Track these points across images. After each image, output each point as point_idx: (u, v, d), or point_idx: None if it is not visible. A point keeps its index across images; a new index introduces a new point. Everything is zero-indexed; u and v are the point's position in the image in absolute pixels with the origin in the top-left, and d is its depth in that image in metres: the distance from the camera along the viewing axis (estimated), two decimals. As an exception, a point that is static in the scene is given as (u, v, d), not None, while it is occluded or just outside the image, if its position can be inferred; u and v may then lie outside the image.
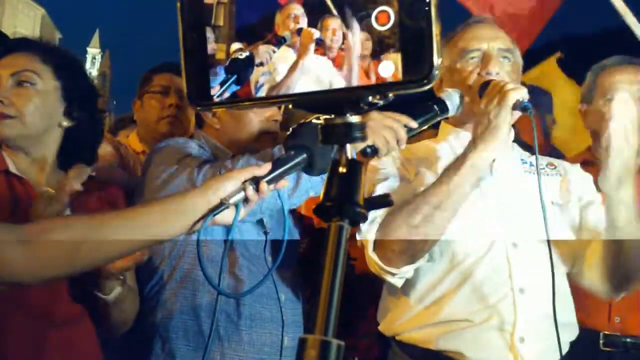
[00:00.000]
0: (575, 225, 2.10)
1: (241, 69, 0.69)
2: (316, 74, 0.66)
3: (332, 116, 0.67)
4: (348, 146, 0.68)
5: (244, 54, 0.69)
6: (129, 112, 3.40)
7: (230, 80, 0.69)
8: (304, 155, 1.56)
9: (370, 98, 0.64)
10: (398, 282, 1.96)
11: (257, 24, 0.70)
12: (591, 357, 2.33)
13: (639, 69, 2.59)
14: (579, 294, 2.08)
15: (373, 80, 0.63)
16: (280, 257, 1.68)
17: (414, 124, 1.83)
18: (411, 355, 2.01)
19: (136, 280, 2.11)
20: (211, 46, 0.70)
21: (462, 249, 1.96)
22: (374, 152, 1.84)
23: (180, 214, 1.49)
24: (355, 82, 0.63)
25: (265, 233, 2.21)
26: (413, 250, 1.89)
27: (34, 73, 1.96)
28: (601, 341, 2.40)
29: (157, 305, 2.11)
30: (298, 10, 0.68)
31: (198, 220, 1.49)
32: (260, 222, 2.20)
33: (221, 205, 1.49)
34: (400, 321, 2.04)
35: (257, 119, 2.23)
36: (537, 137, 1.90)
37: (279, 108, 2.35)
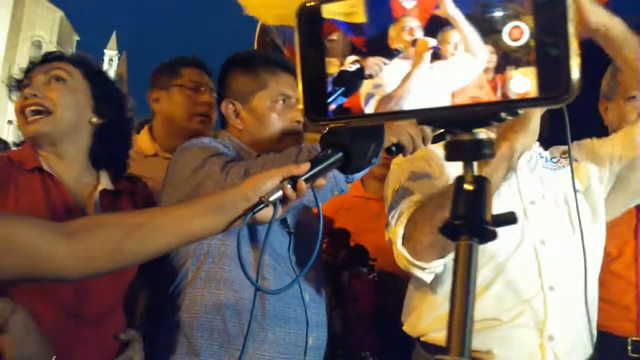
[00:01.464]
0: (601, 198, 2.11)
1: (349, 81, 0.67)
2: (435, 83, 0.65)
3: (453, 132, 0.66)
4: (474, 163, 0.67)
5: (354, 67, 0.68)
6: (147, 115, 3.33)
7: (338, 93, 0.67)
8: (341, 154, 1.56)
9: (503, 115, 0.63)
10: (427, 277, 1.95)
11: (370, 39, 0.68)
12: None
13: None
14: (607, 302, 2.08)
15: (500, 95, 0.61)
16: (314, 255, 1.68)
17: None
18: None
19: (159, 279, 2.14)
20: (327, 60, 0.69)
21: (490, 248, 1.92)
22: (399, 149, 1.83)
23: (220, 211, 1.50)
24: (485, 97, 0.62)
25: (289, 233, 2.21)
26: (443, 244, 1.86)
27: (64, 71, 2.02)
28: (629, 347, 2.37)
29: (182, 304, 2.09)
30: (413, 22, 0.66)
31: (237, 218, 1.50)
32: (283, 221, 2.19)
33: (260, 204, 1.49)
34: (426, 320, 2.03)
35: (280, 119, 2.22)
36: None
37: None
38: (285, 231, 2.20)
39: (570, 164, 1.90)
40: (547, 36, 0.58)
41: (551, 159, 2.17)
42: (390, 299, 2.71)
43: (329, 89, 0.69)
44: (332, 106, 0.70)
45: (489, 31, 0.61)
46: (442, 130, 1.72)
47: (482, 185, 0.67)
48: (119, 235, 1.46)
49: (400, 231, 1.94)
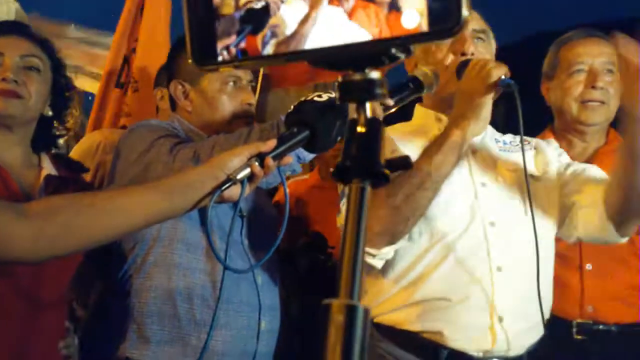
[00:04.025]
0: (556, 188, 2.10)
1: (257, 19, 0.65)
2: (330, 27, 0.63)
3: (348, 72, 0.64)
4: (367, 104, 0.65)
5: (260, 4, 0.65)
6: None
7: (245, 32, 0.65)
8: (307, 133, 1.57)
9: (393, 51, 0.61)
10: (378, 263, 1.94)
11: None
12: (564, 346, 2.31)
13: (603, 40, 2.55)
14: (552, 284, 2.08)
15: (393, 31, 0.60)
16: (279, 238, 1.68)
17: (389, 102, 1.81)
18: (389, 338, 1.98)
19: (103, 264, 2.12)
20: (216, 1, 0.66)
21: (441, 227, 1.95)
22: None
23: (188, 190, 1.49)
24: (375, 34, 0.60)
25: (242, 216, 2.18)
26: (394, 231, 1.87)
27: (40, 61, 2.01)
28: (574, 329, 2.37)
29: (131, 290, 2.06)
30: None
31: (205, 196, 1.49)
32: (236, 204, 2.17)
33: (228, 181, 1.49)
34: (377, 303, 2.02)
35: (230, 102, 2.20)
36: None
37: (254, 90, 2.31)
38: (237, 215, 2.17)
39: (522, 149, 1.90)
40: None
41: (509, 142, 2.16)
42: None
43: (237, 28, 0.67)
44: (232, 48, 0.67)
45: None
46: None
47: (375, 128, 0.65)
48: (82, 217, 1.44)
49: None
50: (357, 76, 0.63)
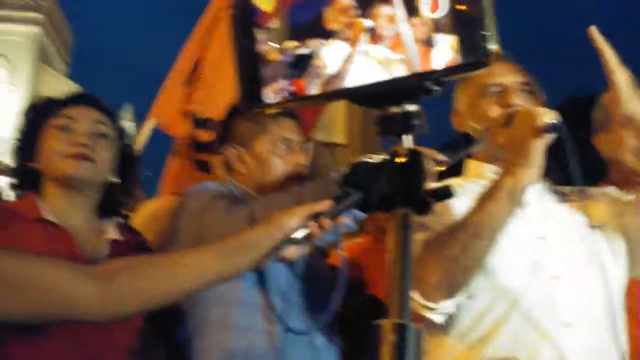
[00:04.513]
0: (618, 227, 2.05)
1: (303, 65, 0.70)
2: (369, 65, 0.67)
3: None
4: (405, 137, 0.68)
5: (305, 50, 0.70)
6: None
7: (294, 76, 0.70)
8: (361, 194, 1.59)
9: (428, 85, 0.65)
10: (438, 318, 1.90)
11: (309, 23, 0.71)
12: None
13: None
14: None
15: (429, 66, 0.63)
16: (339, 297, 1.68)
17: (441, 157, 1.83)
18: None
19: (165, 327, 2.13)
20: (262, 49, 0.71)
21: (502, 284, 1.91)
22: None
23: (246, 251, 1.51)
24: (412, 69, 0.64)
25: (296, 275, 2.20)
26: (452, 282, 1.84)
27: (107, 127, 2.12)
28: None
29: (191, 352, 2.07)
30: (347, 2, 0.69)
31: (263, 257, 1.50)
32: (291, 263, 2.19)
33: (286, 241, 1.50)
34: (443, 364, 1.98)
35: (282, 163, 2.26)
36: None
37: (305, 151, 2.37)
38: (292, 274, 2.19)
39: (582, 197, 1.87)
40: (462, 7, 0.60)
41: (567, 193, 2.14)
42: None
43: (284, 72, 0.72)
44: (281, 91, 0.72)
45: (411, 6, 0.64)
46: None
47: (416, 158, 0.68)
48: (148, 276, 1.48)
49: None
50: (395, 109, 0.67)
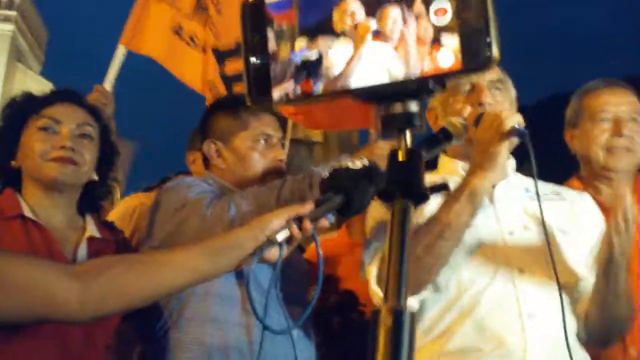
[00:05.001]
0: (588, 260, 2.11)
1: (312, 68, 0.73)
2: (374, 62, 0.70)
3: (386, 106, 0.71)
4: (407, 134, 0.72)
5: (314, 55, 0.73)
6: None
7: (302, 79, 0.73)
8: (342, 198, 1.63)
9: (430, 85, 0.69)
10: None
11: (320, 22, 0.74)
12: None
13: (625, 89, 2.63)
14: None
15: (431, 68, 0.67)
16: (315, 298, 1.71)
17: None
18: None
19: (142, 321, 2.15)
20: (272, 45, 0.75)
21: (467, 277, 1.97)
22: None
23: (229, 251, 1.55)
24: (416, 71, 0.68)
25: (274, 267, 2.22)
26: (417, 281, 1.89)
27: (93, 129, 2.10)
28: None
29: (167, 345, 2.09)
30: (354, 4, 0.72)
31: (246, 257, 1.54)
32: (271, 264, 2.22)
33: (268, 243, 1.54)
34: (406, 357, 2.02)
35: (262, 159, 2.28)
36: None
37: (283, 145, 2.39)
38: (272, 268, 2.21)
39: (538, 197, 1.91)
40: (467, 14, 0.64)
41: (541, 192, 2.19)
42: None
43: (292, 72, 0.75)
44: (289, 91, 0.75)
45: (417, 9, 0.68)
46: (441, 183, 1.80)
47: (415, 157, 0.72)
48: (130, 275, 1.49)
49: (373, 270, 1.97)
50: (398, 109, 0.71)
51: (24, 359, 1.76)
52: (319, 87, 0.73)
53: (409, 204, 0.68)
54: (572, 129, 2.69)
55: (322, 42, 0.73)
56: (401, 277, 0.65)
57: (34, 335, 1.76)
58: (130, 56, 3.82)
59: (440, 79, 0.68)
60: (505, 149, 1.90)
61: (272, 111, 2.39)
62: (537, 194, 1.87)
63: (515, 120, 1.88)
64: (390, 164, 0.73)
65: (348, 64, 0.72)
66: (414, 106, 0.71)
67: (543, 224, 1.86)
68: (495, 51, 0.64)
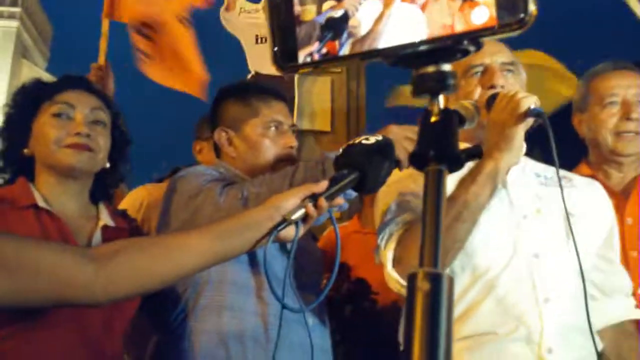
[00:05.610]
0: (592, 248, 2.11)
1: (337, 27, 0.71)
2: (404, 23, 0.68)
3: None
4: (440, 96, 0.70)
5: (339, 12, 0.71)
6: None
7: (326, 39, 0.71)
8: (357, 174, 1.62)
9: (465, 44, 0.67)
10: None
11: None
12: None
13: (633, 72, 2.61)
14: None
15: (464, 26, 0.65)
16: (332, 279, 1.69)
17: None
18: None
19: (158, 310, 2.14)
20: (297, 8, 0.72)
21: (483, 262, 1.96)
22: (395, 164, 1.86)
23: (245, 231, 1.54)
24: (448, 29, 0.65)
25: (289, 256, 2.21)
26: None
27: (106, 115, 2.08)
28: None
29: (183, 333, 2.08)
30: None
31: (262, 237, 1.53)
32: (283, 247, 2.20)
33: (284, 222, 1.53)
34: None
35: (273, 146, 2.27)
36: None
37: (294, 132, 2.37)
38: (285, 256, 2.20)
39: (560, 183, 1.90)
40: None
41: (550, 177, 2.17)
42: (394, 333, 2.71)
43: (318, 33, 0.73)
44: (314, 54, 0.73)
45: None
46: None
47: (449, 117, 0.70)
48: (146, 257, 1.48)
49: (389, 254, 1.95)
50: (430, 69, 0.69)
51: (46, 348, 1.76)
52: (345, 48, 0.71)
53: (442, 169, 0.66)
54: (580, 113, 2.68)
55: (349, 1, 0.71)
56: (437, 242, 0.62)
57: (55, 323, 1.76)
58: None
59: (474, 38, 0.66)
60: (522, 130, 1.89)
61: (282, 97, 2.38)
62: (558, 176, 1.86)
63: (532, 100, 1.87)
64: (423, 125, 0.70)
65: (376, 23, 0.70)
66: (446, 66, 0.69)
67: (565, 209, 1.85)
68: (531, 6, 0.62)
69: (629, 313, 2.18)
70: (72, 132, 1.97)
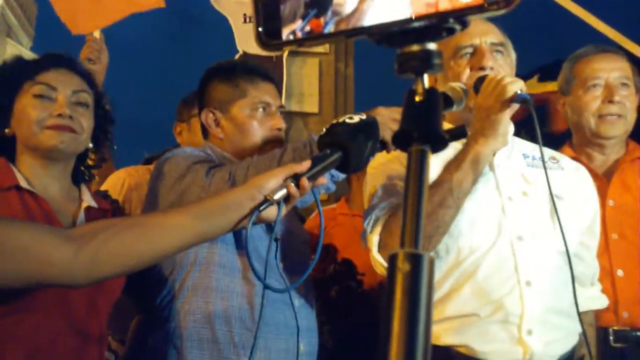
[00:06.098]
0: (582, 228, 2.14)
1: (321, 4, 0.70)
2: (389, 2, 0.67)
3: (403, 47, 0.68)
4: (425, 75, 0.69)
5: None
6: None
7: (310, 16, 0.70)
8: (340, 154, 1.61)
9: (450, 22, 0.66)
10: None
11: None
12: (602, 355, 2.30)
13: (616, 55, 2.63)
14: None
15: (450, 4, 0.64)
16: (316, 258, 1.70)
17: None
18: None
19: (146, 291, 2.14)
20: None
21: (468, 244, 1.97)
22: (382, 146, 1.86)
23: (226, 211, 1.53)
24: (433, 7, 0.64)
25: (276, 239, 2.21)
26: None
27: (88, 95, 2.04)
28: (611, 337, 2.36)
29: (170, 315, 2.08)
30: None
31: (244, 217, 1.53)
32: (269, 228, 2.20)
33: (265, 202, 1.53)
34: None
35: (260, 128, 2.25)
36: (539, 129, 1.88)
37: (282, 114, 2.36)
38: (271, 237, 2.20)
39: (543, 162, 1.90)
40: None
41: (538, 158, 2.17)
42: (379, 313, 2.72)
43: (302, 11, 0.72)
44: (297, 32, 0.72)
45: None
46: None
47: (434, 98, 0.69)
48: (126, 237, 1.47)
49: (375, 238, 1.96)
50: (415, 47, 0.68)
51: (33, 334, 1.75)
52: (330, 26, 0.70)
53: (426, 149, 0.65)
54: (564, 96, 2.69)
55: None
56: (418, 222, 0.62)
57: (40, 309, 1.75)
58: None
59: (461, 16, 0.65)
60: (507, 116, 1.89)
61: (270, 78, 2.36)
62: (543, 161, 1.86)
63: (518, 86, 1.86)
64: (407, 104, 0.70)
65: (361, 1, 0.69)
66: (431, 45, 0.68)
67: (550, 191, 1.85)
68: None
69: (593, 303, 2.22)
70: (54, 113, 1.93)
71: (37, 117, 1.92)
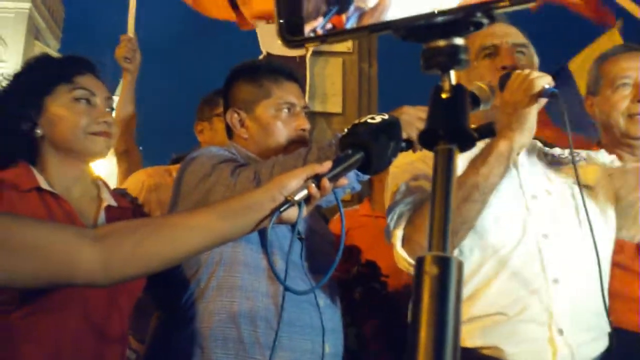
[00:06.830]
0: (612, 193, 2.09)
1: (343, 0, 0.68)
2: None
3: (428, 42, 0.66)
4: (452, 72, 0.67)
5: None
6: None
7: (332, 13, 0.68)
8: (362, 154, 1.59)
9: (478, 16, 0.64)
10: None
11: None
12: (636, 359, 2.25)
13: None
14: (614, 296, 2.03)
15: (476, -2, 0.62)
16: (337, 258, 1.68)
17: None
18: None
19: (169, 291, 2.14)
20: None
21: (493, 242, 1.94)
22: (409, 145, 1.85)
23: (247, 212, 1.52)
24: (460, 1, 0.62)
25: (301, 239, 2.20)
26: None
27: (113, 102, 2.10)
28: None
29: (195, 315, 2.08)
30: None
31: (264, 218, 1.51)
32: (293, 227, 2.19)
33: (286, 203, 1.51)
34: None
35: (285, 128, 2.24)
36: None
37: (306, 114, 2.35)
38: (296, 237, 2.19)
39: (573, 159, 1.89)
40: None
41: (557, 155, 2.16)
42: (404, 315, 2.70)
43: (324, 8, 0.70)
44: (319, 29, 0.70)
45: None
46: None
47: (461, 94, 0.67)
48: (148, 237, 1.47)
49: (399, 233, 1.94)
50: (441, 42, 0.66)
51: (54, 333, 1.76)
52: (352, 22, 0.68)
53: (453, 148, 0.63)
54: (592, 97, 2.65)
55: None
56: (446, 224, 0.60)
57: (60, 309, 1.76)
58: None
59: (488, 10, 0.63)
60: (535, 110, 1.88)
61: (294, 78, 2.35)
62: (572, 156, 1.84)
63: (546, 80, 1.85)
64: (433, 101, 0.67)
65: (384, -6, 0.67)
66: (458, 40, 0.66)
67: (580, 189, 1.83)
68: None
69: None
70: (100, 120, 1.98)
71: (81, 122, 1.95)
